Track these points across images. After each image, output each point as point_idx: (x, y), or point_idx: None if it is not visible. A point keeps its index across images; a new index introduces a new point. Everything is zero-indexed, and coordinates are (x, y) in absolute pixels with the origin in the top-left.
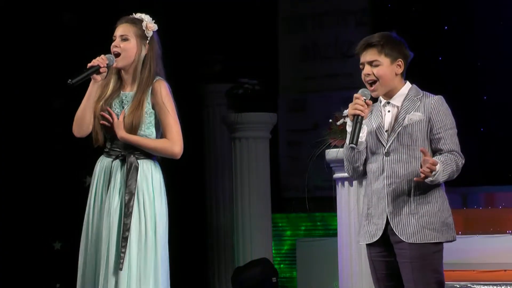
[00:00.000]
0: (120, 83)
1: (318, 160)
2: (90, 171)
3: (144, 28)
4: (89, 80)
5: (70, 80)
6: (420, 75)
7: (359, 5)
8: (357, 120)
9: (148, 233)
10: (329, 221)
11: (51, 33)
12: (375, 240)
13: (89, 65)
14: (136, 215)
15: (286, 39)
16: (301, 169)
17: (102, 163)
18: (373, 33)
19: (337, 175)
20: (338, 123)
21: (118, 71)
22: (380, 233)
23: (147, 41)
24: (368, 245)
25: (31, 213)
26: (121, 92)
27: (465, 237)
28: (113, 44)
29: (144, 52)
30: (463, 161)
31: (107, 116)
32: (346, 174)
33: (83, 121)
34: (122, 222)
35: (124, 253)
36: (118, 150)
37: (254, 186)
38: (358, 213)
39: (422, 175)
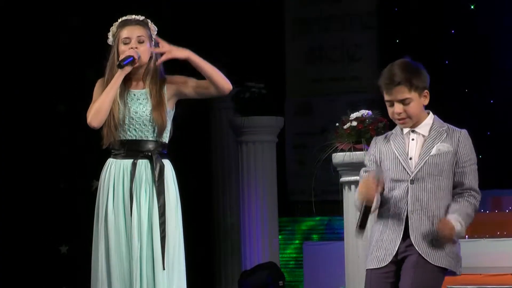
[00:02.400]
0: (125, 80)
1: (324, 164)
2: (96, 175)
3: (150, 29)
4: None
5: (119, 62)
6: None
7: (366, 8)
8: (366, 208)
9: (176, 232)
10: (336, 224)
11: (57, 37)
12: (383, 265)
13: (124, 55)
14: (168, 215)
15: (292, 42)
16: (307, 173)
17: (118, 165)
18: (379, 36)
19: (343, 178)
20: (345, 126)
21: None
22: (389, 259)
23: (153, 42)
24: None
25: (37, 216)
26: (129, 89)
27: (472, 241)
28: (130, 45)
29: (153, 52)
30: (480, 198)
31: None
32: (353, 178)
33: (103, 109)
34: (158, 222)
35: (164, 252)
36: (139, 150)
37: (261, 190)
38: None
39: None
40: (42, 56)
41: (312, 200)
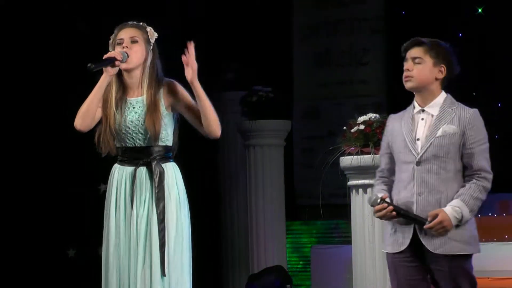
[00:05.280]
0: (123, 89)
1: (332, 168)
2: (104, 178)
3: (148, 33)
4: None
5: (90, 64)
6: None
7: (374, 12)
8: (405, 214)
9: (178, 237)
10: (344, 228)
11: (64, 40)
12: (402, 249)
13: (105, 56)
14: (169, 220)
15: (300, 46)
16: (315, 176)
17: (121, 172)
18: (388, 40)
19: (351, 182)
20: (352, 130)
21: (120, 77)
22: (407, 242)
23: (151, 47)
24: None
25: (45, 220)
26: (126, 98)
27: (480, 245)
28: (122, 45)
29: (150, 57)
30: (491, 177)
31: (188, 51)
32: (360, 181)
33: (89, 112)
34: (157, 229)
35: (164, 258)
36: (139, 157)
37: (269, 193)
38: (373, 220)
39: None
40: (52, 61)
41: (319, 203)
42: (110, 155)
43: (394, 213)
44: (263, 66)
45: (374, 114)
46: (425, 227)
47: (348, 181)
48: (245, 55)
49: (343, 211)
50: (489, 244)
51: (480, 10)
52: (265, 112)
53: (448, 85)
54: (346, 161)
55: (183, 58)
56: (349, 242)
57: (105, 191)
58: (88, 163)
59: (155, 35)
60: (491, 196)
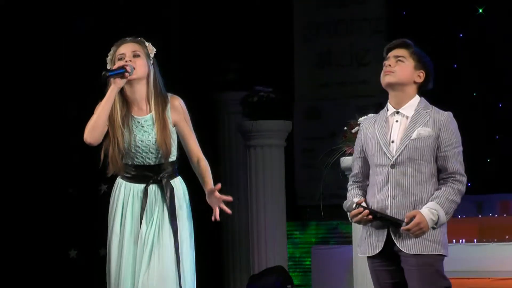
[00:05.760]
0: (127, 106)
1: (333, 168)
2: (105, 179)
3: (147, 48)
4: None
5: (104, 72)
6: (435, 83)
7: (374, 13)
8: (380, 217)
9: (188, 255)
10: (344, 229)
11: (64, 41)
12: (377, 252)
13: (116, 66)
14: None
15: (301, 47)
16: (316, 177)
17: (128, 188)
18: (389, 40)
19: None
20: (353, 131)
21: (122, 93)
22: (381, 245)
23: (151, 61)
24: (370, 257)
25: (46, 221)
26: (133, 116)
27: (480, 245)
28: (125, 59)
29: (152, 71)
30: (465, 180)
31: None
32: None
33: (99, 125)
34: (170, 245)
35: (181, 277)
36: (149, 175)
37: (269, 194)
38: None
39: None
40: (53, 62)
41: (320, 204)
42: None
43: (370, 216)
44: (264, 66)
45: (373, 114)
46: (402, 228)
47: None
48: (246, 55)
49: (344, 212)
50: (490, 244)
51: (480, 11)
52: (266, 113)
53: (448, 85)
54: (346, 161)
55: (221, 203)
56: (349, 242)
57: (105, 192)
58: (88, 164)
59: (154, 50)
60: (491, 196)
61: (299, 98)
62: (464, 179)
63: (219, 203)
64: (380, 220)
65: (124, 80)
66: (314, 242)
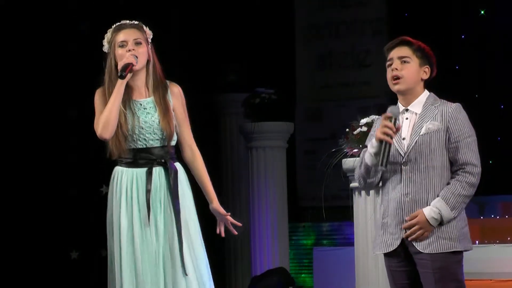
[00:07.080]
0: (127, 92)
1: (335, 169)
2: (106, 180)
3: (146, 33)
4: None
5: (120, 74)
6: (437, 84)
7: (376, 14)
8: (386, 145)
9: (196, 234)
10: (346, 230)
11: (68, 43)
12: (391, 250)
13: (122, 62)
14: (187, 218)
15: (303, 48)
16: (317, 178)
17: (130, 173)
18: (390, 42)
19: (354, 184)
20: (355, 132)
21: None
22: (397, 243)
23: (149, 46)
24: (386, 255)
25: (47, 223)
26: (133, 99)
27: (482, 246)
28: (127, 48)
29: (151, 57)
30: (477, 170)
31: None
32: None
33: (111, 120)
34: (175, 229)
35: (183, 259)
36: (153, 158)
37: (271, 195)
38: (375, 223)
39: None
40: (53, 62)
41: (322, 205)
42: (110, 158)
43: (390, 140)
44: (266, 68)
45: (377, 116)
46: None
47: (351, 183)
48: (248, 57)
49: (346, 213)
50: (491, 246)
51: (482, 12)
52: (268, 114)
53: (449, 87)
54: (348, 163)
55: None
56: (351, 244)
57: (107, 193)
58: (89, 165)
59: (151, 34)
60: (493, 198)
61: (300, 99)
62: (476, 169)
63: (226, 223)
64: (384, 148)
65: (131, 74)
66: (315, 243)
